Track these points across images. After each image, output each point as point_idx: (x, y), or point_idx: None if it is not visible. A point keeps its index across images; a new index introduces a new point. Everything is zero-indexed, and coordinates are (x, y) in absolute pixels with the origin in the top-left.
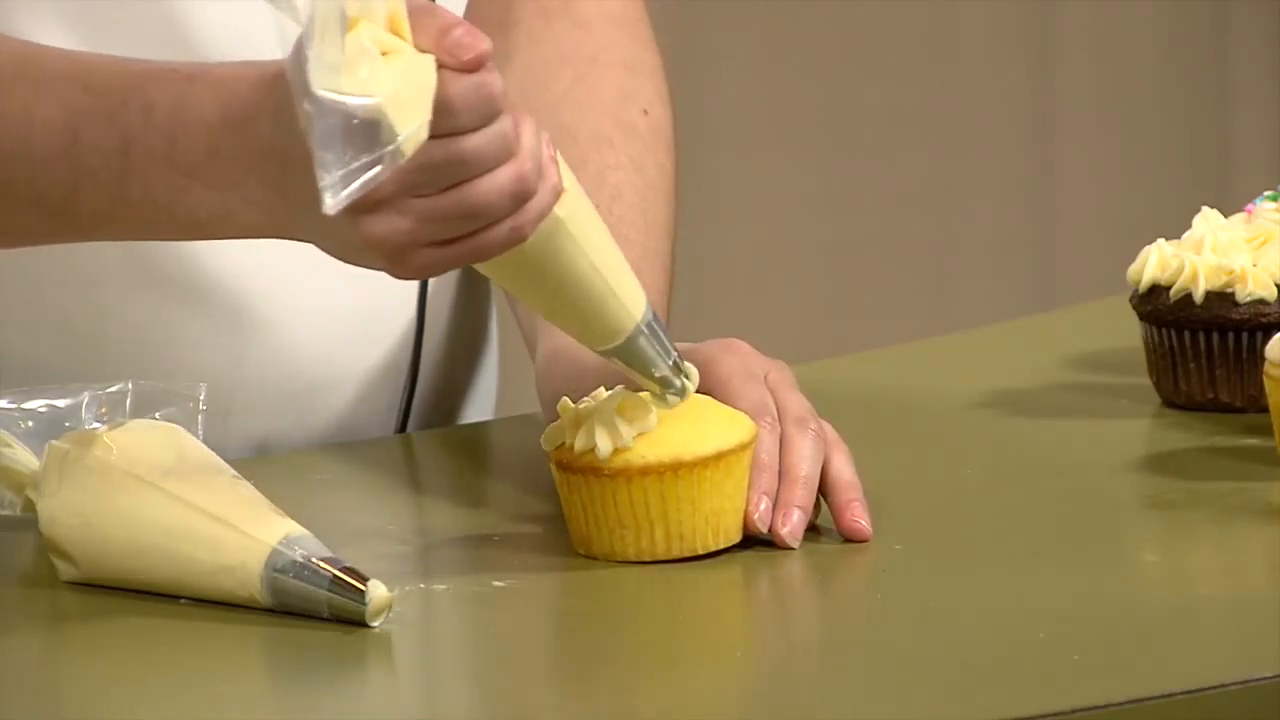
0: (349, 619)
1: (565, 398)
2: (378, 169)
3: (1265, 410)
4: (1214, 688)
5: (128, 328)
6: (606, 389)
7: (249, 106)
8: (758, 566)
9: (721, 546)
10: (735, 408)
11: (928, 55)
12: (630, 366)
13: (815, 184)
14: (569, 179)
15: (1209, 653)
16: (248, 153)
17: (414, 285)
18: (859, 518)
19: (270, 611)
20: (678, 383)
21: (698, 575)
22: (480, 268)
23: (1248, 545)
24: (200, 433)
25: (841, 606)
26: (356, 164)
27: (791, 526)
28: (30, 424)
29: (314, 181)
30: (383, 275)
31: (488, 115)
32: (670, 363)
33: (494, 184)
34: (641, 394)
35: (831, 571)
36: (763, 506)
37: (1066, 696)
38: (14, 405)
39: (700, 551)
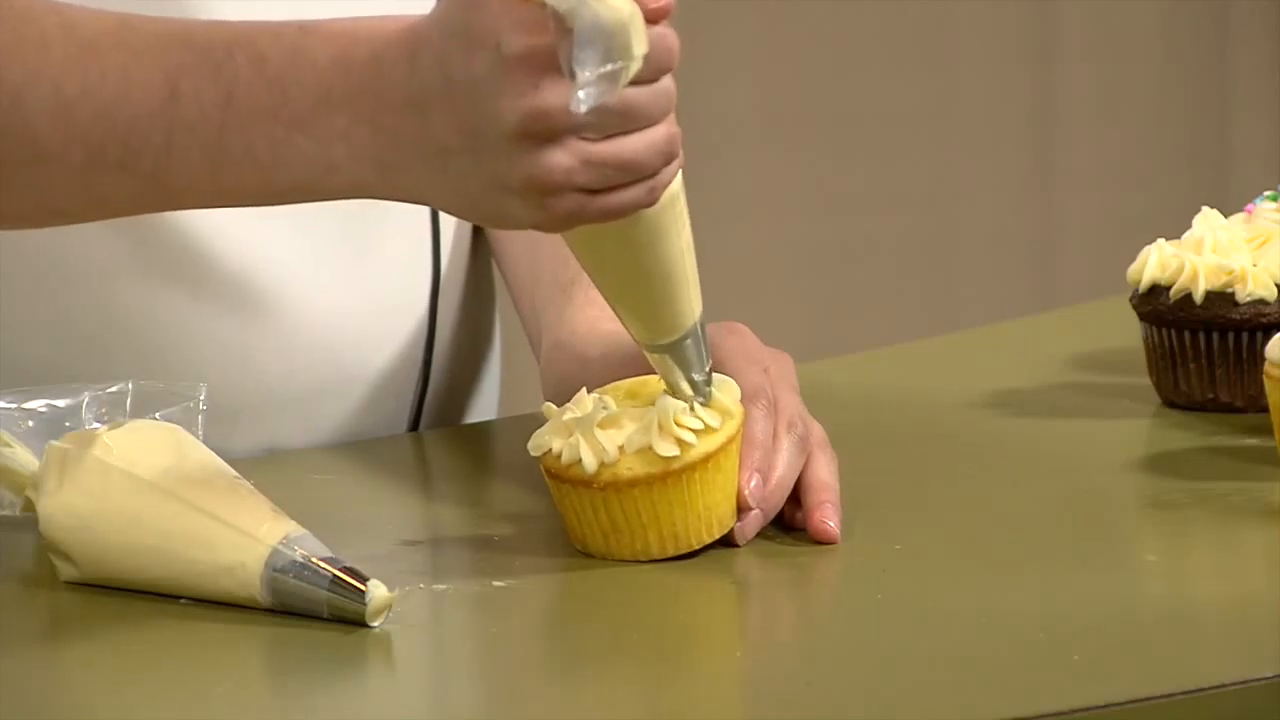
0: (349, 619)
1: (549, 403)
2: (617, 81)
3: (1265, 410)
4: (1214, 688)
5: (134, 329)
6: (589, 391)
7: (375, 53)
8: (757, 567)
9: (717, 537)
10: None
11: (928, 55)
12: (674, 365)
13: (815, 184)
14: None
15: (1209, 653)
16: (364, 100)
17: (425, 285)
18: (827, 519)
19: (270, 611)
20: (706, 391)
21: (697, 576)
22: (582, 241)
23: (1248, 545)
24: (200, 433)
25: (841, 606)
26: (604, 70)
27: (745, 524)
28: (30, 424)
29: (460, 123)
30: (393, 274)
31: (663, 69)
32: (707, 370)
33: (651, 139)
34: (621, 408)
35: (831, 572)
36: (753, 484)
37: (1066, 696)
38: (14, 405)
39: (696, 546)
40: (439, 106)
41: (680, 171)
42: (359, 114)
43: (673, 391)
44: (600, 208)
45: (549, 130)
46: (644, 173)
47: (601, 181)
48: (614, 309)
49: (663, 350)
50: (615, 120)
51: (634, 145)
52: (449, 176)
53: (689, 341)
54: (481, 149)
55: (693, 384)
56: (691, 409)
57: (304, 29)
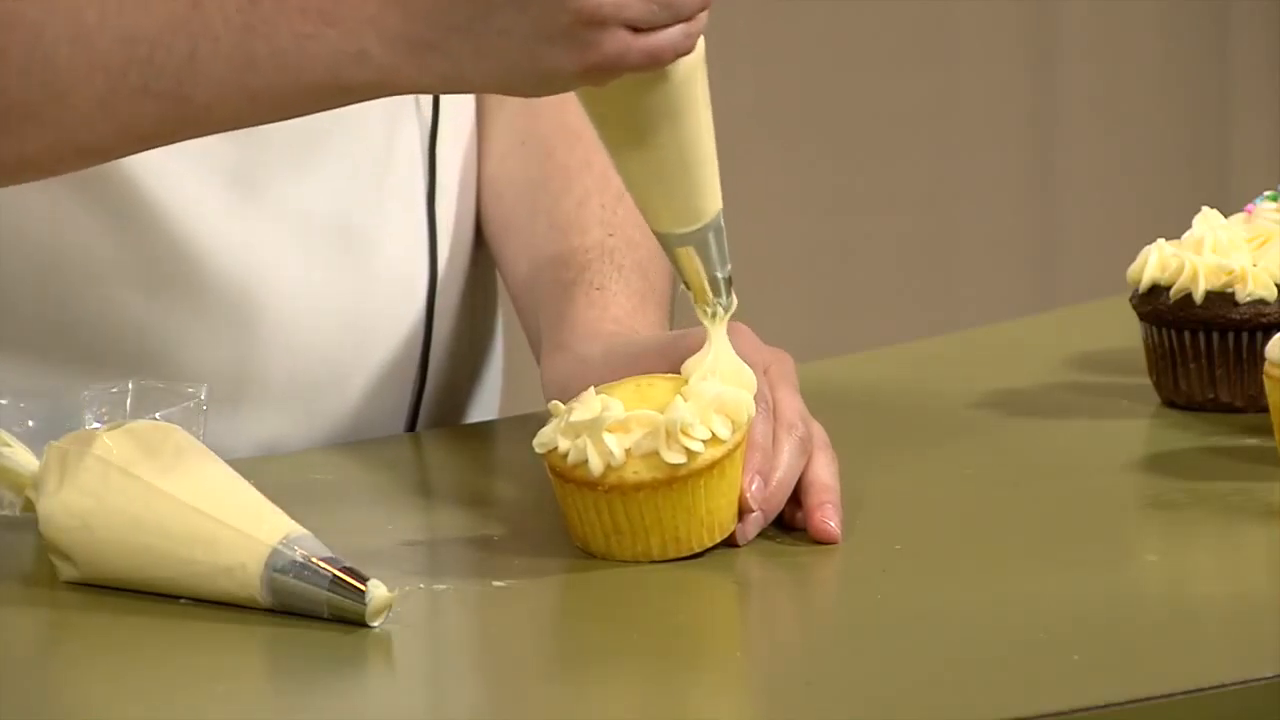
0: (349, 619)
1: (555, 400)
2: None
3: (1265, 410)
4: (1214, 688)
5: (133, 328)
6: (597, 392)
7: None
8: (757, 567)
9: (718, 541)
10: None
11: (928, 54)
12: (696, 259)
13: (815, 184)
14: None
15: (1209, 653)
16: None
17: (421, 285)
18: (829, 519)
19: (270, 611)
20: (728, 294)
21: (697, 576)
22: (614, 108)
23: (1248, 545)
24: (202, 432)
25: (841, 606)
26: None
27: (745, 524)
28: (30, 424)
29: None
30: (389, 275)
31: None
32: (729, 270)
33: None
34: (629, 412)
35: (831, 572)
36: (754, 486)
37: (1066, 696)
38: (14, 405)
39: (697, 549)
40: None
41: (703, 42)
42: None
43: (696, 295)
44: (644, 47)
45: None
46: (684, 13)
47: (647, 16)
48: (637, 194)
49: (685, 242)
50: None
51: None
52: (489, 38)
53: (711, 234)
54: None
55: (714, 283)
56: (712, 315)
57: None
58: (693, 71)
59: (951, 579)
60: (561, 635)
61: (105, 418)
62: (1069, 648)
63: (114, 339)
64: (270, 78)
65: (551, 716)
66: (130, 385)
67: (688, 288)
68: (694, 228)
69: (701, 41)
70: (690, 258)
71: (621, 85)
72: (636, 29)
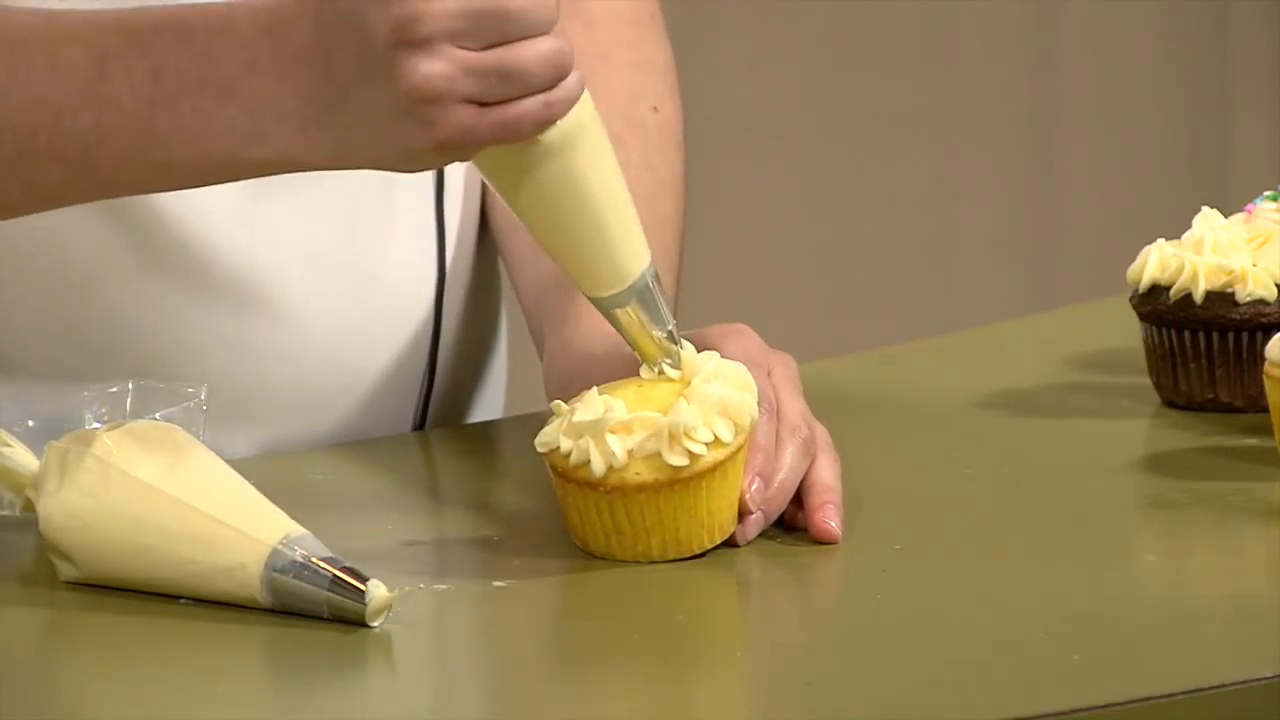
0: (349, 619)
1: (558, 400)
2: None
3: (1265, 410)
4: (1214, 688)
5: (135, 329)
6: (600, 392)
7: (288, 14)
8: (757, 566)
9: (718, 542)
10: None
11: (928, 54)
12: (633, 320)
13: (815, 184)
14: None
15: (1209, 653)
16: (284, 61)
17: (430, 284)
18: (830, 519)
19: (270, 611)
20: (674, 350)
21: (698, 575)
22: (500, 175)
23: (1248, 545)
24: (202, 433)
25: (841, 606)
26: None
27: (746, 525)
28: (30, 424)
29: (352, 51)
30: (397, 274)
31: None
32: (669, 328)
33: (534, 49)
34: (632, 413)
35: (831, 571)
36: (754, 487)
37: (1066, 696)
38: (14, 405)
39: (697, 551)
40: (337, 42)
41: (591, 103)
42: (282, 74)
43: (641, 356)
44: (494, 122)
45: (422, 36)
46: (534, 84)
47: (487, 91)
48: (555, 259)
49: (616, 303)
50: (492, 26)
51: (518, 54)
52: (352, 114)
53: (642, 293)
54: (371, 72)
55: (658, 341)
56: (659, 372)
57: (230, 3)
58: (572, 135)
59: (951, 579)
60: (561, 635)
61: (105, 418)
62: (1069, 648)
63: (118, 341)
64: (173, 151)
65: (551, 716)
66: (130, 385)
67: (633, 349)
68: (618, 290)
69: (587, 102)
70: (628, 318)
71: (503, 156)
72: (483, 103)
